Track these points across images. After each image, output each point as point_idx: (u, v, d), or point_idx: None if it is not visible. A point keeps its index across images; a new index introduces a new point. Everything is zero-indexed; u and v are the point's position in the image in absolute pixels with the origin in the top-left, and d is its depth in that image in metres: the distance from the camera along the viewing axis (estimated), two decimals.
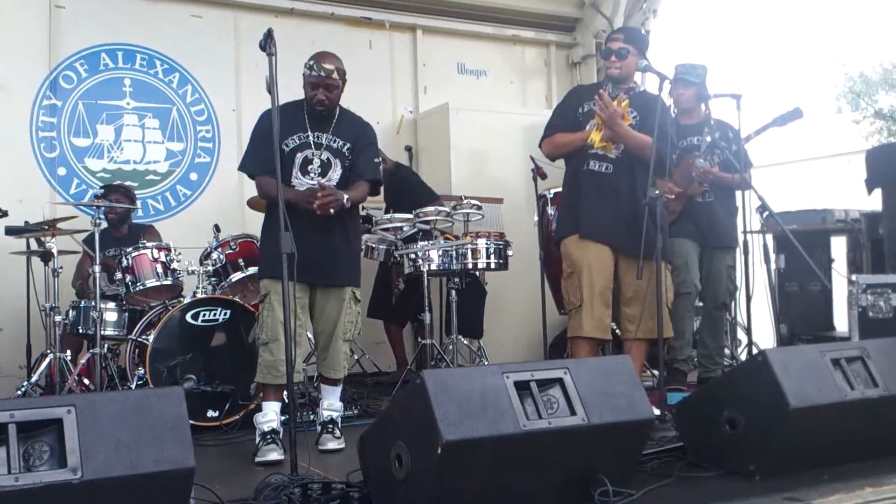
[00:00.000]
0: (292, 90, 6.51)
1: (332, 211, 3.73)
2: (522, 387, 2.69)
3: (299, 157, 3.97)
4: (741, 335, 6.54)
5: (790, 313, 5.87)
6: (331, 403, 4.02)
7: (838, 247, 6.03)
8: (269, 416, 3.84)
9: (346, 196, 3.82)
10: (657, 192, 3.91)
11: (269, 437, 3.75)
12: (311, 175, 3.96)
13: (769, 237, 5.03)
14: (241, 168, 4.18)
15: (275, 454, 3.66)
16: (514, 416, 2.60)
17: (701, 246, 5.22)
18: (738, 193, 4.82)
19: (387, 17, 7.22)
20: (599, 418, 2.71)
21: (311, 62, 4.00)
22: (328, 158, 3.99)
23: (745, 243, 4.82)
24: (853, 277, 3.69)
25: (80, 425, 2.11)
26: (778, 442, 3.00)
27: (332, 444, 3.84)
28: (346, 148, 4.01)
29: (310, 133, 3.98)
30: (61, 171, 6.02)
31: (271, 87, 3.24)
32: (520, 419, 2.60)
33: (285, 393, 3.82)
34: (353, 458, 3.03)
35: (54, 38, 6.02)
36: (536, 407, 2.67)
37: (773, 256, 5.97)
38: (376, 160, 4.12)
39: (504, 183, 6.68)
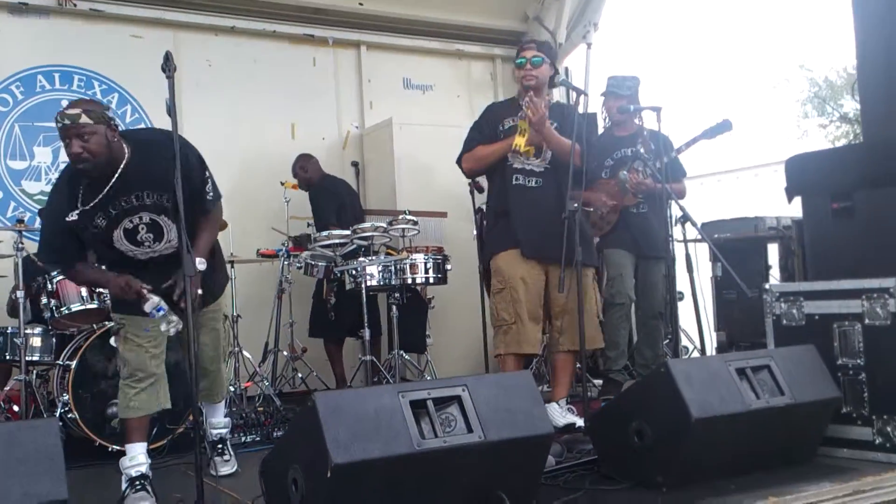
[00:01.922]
0: (234, 108, 6.62)
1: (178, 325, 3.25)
2: (419, 406, 2.68)
3: (117, 234, 3.33)
4: (686, 343, 6.61)
5: (728, 320, 5.92)
6: (218, 421, 3.92)
7: (776, 254, 6.09)
8: (137, 458, 3.38)
9: (200, 262, 3.28)
10: (575, 205, 3.93)
11: (136, 483, 3.32)
12: (147, 244, 3.39)
13: (703, 246, 5.08)
14: (43, 261, 3.65)
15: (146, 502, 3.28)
16: (408, 435, 2.59)
17: (636, 256, 5.25)
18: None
19: (330, 33, 7.22)
20: (497, 435, 2.71)
21: (56, 115, 3.22)
22: (152, 220, 3.36)
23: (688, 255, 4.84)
24: (767, 286, 3.72)
25: None
26: (683, 453, 3.01)
27: (225, 469, 3.77)
28: (164, 199, 3.31)
29: (112, 208, 3.29)
30: None
31: (171, 110, 3.15)
32: (414, 439, 2.59)
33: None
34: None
35: None
36: (433, 426, 2.67)
37: (710, 265, 6.04)
38: (205, 179, 3.45)
39: (448, 196, 6.67)
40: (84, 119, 3.15)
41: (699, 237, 4.85)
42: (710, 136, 4.79)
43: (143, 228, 3.36)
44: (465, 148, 4.42)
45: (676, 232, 4.54)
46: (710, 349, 6.00)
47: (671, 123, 5.11)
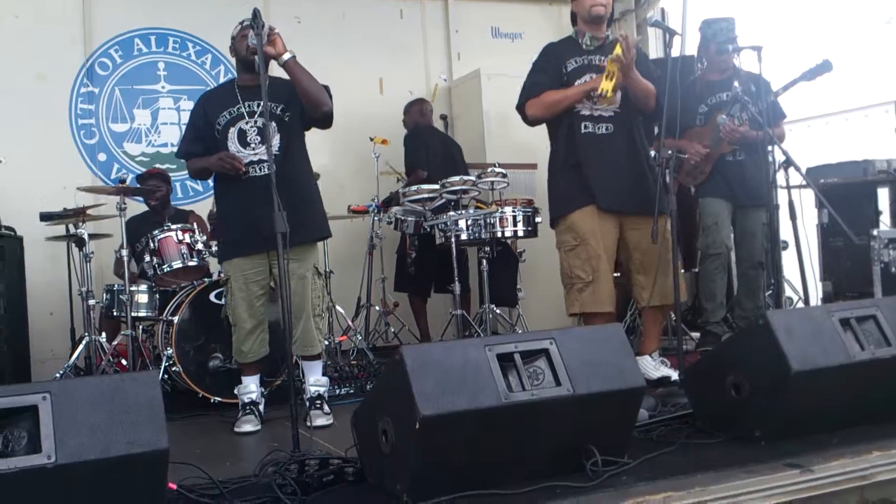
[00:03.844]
0: (323, 64, 6.61)
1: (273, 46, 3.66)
2: (506, 359, 2.65)
3: (232, 131, 3.91)
4: (790, 293, 6.37)
5: (835, 269, 5.65)
6: (316, 379, 4.05)
7: (887, 198, 5.77)
8: (248, 388, 4.00)
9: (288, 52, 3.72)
10: (669, 151, 3.79)
11: (247, 408, 3.94)
12: (253, 146, 3.90)
13: (809, 192, 4.86)
14: (176, 155, 4.25)
15: (249, 425, 3.86)
16: (495, 388, 2.57)
17: (733, 204, 5.07)
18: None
19: None
20: (586, 388, 2.67)
21: (238, 23, 3.96)
22: (264, 124, 3.82)
23: (791, 202, 4.62)
24: (874, 232, 3.52)
25: (54, 411, 2.17)
26: (782, 406, 2.90)
27: (321, 420, 3.88)
28: (279, 109, 3.90)
29: (241, 104, 3.92)
30: (101, 156, 6.21)
31: (259, 64, 3.42)
32: (501, 392, 2.57)
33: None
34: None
35: (88, 27, 6.19)
36: (520, 379, 2.64)
37: (815, 212, 5.77)
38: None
39: (538, 148, 6.54)
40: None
41: (803, 183, 4.63)
42: (809, 77, 4.56)
43: (253, 131, 3.88)
44: (530, 93, 4.08)
45: (779, 178, 4.33)
46: (816, 300, 5.76)
47: (772, 65, 4.86)
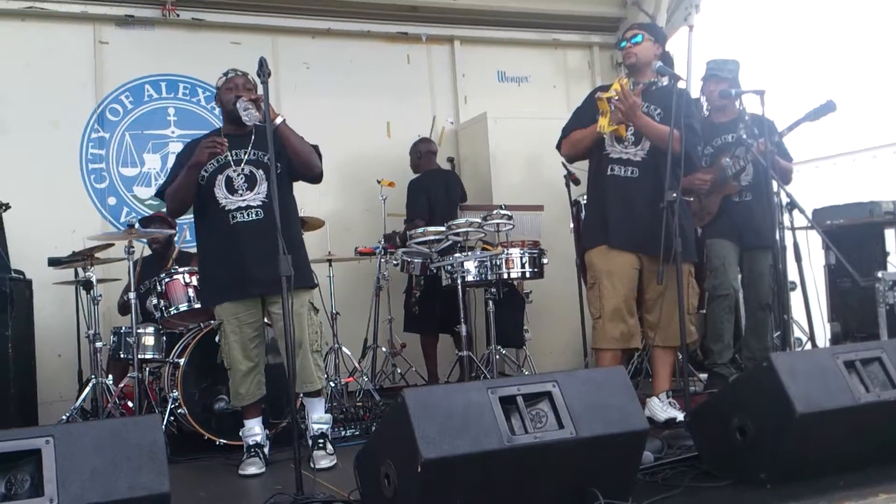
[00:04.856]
0: (332, 108, 6.73)
1: (257, 114, 3.73)
2: (508, 402, 2.66)
3: (220, 178, 3.95)
4: (799, 334, 6.33)
5: (843, 311, 5.64)
6: (319, 417, 4.04)
7: (894, 240, 5.77)
8: (252, 430, 4.03)
9: (280, 117, 3.81)
10: (674, 195, 3.81)
11: (252, 450, 3.96)
12: (240, 192, 3.93)
13: (814, 234, 4.86)
14: (155, 193, 4.30)
15: (254, 468, 3.87)
16: (497, 431, 2.57)
17: (740, 246, 5.08)
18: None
19: (423, 30, 7.27)
20: (589, 431, 2.66)
21: (222, 74, 4.07)
22: (251, 172, 3.95)
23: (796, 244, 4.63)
24: (879, 274, 3.52)
25: (57, 455, 2.19)
26: (787, 449, 2.89)
27: (325, 462, 3.84)
28: (267, 158, 3.76)
29: (228, 153, 3.95)
30: (111, 200, 6.26)
31: (266, 115, 3.54)
32: (504, 435, 2.57)
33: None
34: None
35: (99, 73, 6.27)
36: (523, 422, 2.64)
37: (823, 253, 5.76)
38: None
39: (545, 190, 6.61)
40: (250, 78, 3.91)
41: (809, 224, 4.64)
42: (813, 118, 4.60)
43: (240, 178, 3.93)
44: (563, 133, 4.37)
45: (785, 219, 4.35)
46: (824, 340, 5.73)
47: (777, 107, 4.91)
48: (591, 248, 4.23)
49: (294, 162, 3.95)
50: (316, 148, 4.04)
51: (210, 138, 3.87)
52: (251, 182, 3.94)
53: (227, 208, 3.93)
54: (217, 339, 4.14)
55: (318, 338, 4.04)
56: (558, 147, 4.43)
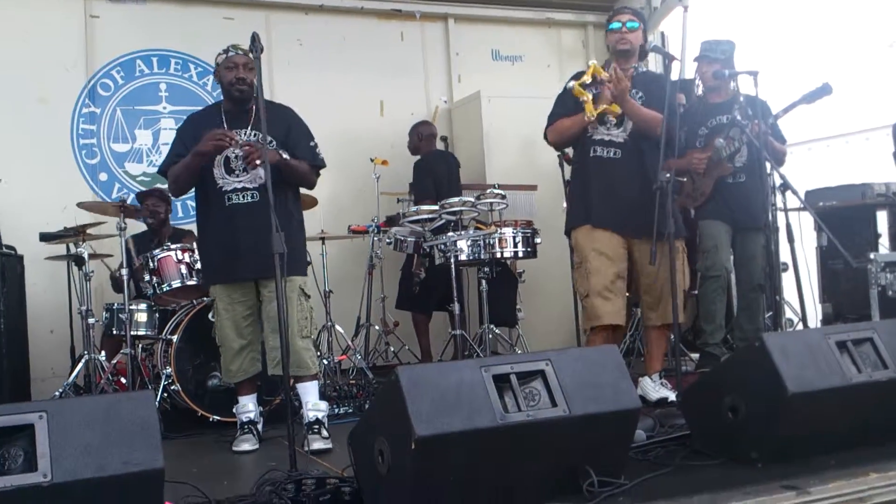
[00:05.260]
0: (324, 86, 6.69)
1: (258, 163, 3.69)
2: (502, 380, 2.66)
3: (218, 158, 3.90)
4: (791, 315, 6.36)
5: (834, 292, 5.66)
6: (314, 404, 3.96)
7: (885, 222, 5.78)
8: (246, 407, 4.04)
9: (283, 153, 3.82)
10: (667, 175, 3.81)
11: (245, 427, 3.97)
12: (237, 173, 3.90)
13: (806, 215, 4.88)
14: (158, 170, 4.27)
15: (247, 444, 3.89)
16: (491, 409, 2.57)
17: (733, 227, 5.09)
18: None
19: (417, 7, 7.22)
20: (582, 409, 2.67)
21: (222, 51, 3.99)
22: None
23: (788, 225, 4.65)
24: (871, 255, 3.54)
25: (50, 430, 2.19)
26: (778, 428, 2.90)
27: (319, 445, 3.79)
28: (273, 144, 3.86)
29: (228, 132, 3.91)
30: (103, 176, 6.23)
31: (258, 90, 3.46)
32: (497, 412, 2.57)
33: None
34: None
35: (90, 48, 6.23)
36: (516, 400, 2.64)
37: (815, 234, 5.78)
38: (312, 144, 4.07)
39: (539, 169, 6.61)
40: (251, 56, 3.66)
41: (801, 206, 4.65)
42: (808, 100, 4.59)
43: (238, 160, 3.87)
44: (549, 121, 4.34)
45: (777, 200, 4.35)
46: (815, 321, 5.76)
47: (771, 88, 4.90)
48: (576, 227, 4.24)
49: (292, 182, 4.04)
50: (316, 155, 4.05)
51: (220, 132, 3.82)
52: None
53: (223, 189, 3.91)
54: (211, 315, 4.14)
55: (308, 323, 4.01)
56: (545, 135, 4.41)
